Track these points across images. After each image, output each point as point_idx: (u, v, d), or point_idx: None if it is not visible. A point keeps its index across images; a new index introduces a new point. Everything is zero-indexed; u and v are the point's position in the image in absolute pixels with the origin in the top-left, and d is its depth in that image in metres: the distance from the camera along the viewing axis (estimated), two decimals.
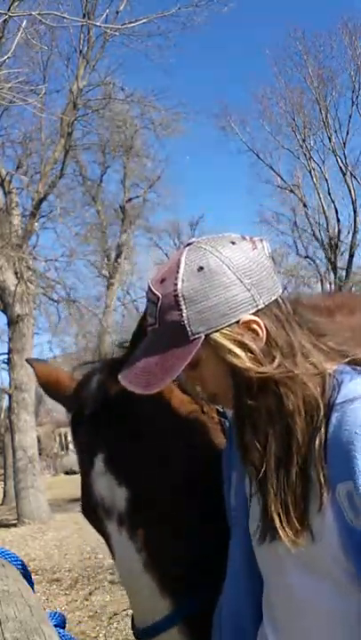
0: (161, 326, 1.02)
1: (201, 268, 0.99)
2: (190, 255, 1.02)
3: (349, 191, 22.96)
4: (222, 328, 0.98)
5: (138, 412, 1.27)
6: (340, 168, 23.19)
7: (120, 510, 1.27)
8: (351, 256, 22.67)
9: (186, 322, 0.99)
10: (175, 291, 0.99)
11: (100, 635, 5.12)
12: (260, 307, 0.99)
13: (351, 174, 23.03)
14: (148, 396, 1.07)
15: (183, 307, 0.99)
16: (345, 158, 23.22)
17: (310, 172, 23.55)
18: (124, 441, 1.28)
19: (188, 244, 1.05)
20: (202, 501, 1.25)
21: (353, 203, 22.77)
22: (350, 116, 23.08)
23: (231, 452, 1.19)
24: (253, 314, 0.99)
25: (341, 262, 23.26)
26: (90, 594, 6.69)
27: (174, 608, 1.22)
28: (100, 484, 1.29)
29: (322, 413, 0.97)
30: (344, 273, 22.83)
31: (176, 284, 0.99)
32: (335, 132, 23.27)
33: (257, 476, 1.01)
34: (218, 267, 0.98)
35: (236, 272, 0.98)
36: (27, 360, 1.71)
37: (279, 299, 1.02)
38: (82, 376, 1.43)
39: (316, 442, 0.96)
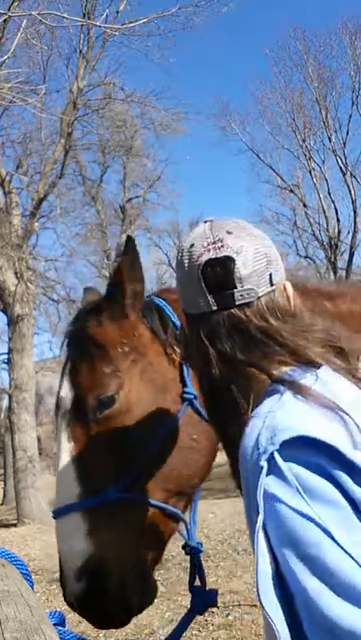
0: None
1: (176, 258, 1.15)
2: (195, 233, 1.13)
3: (349, 191, 22.97)
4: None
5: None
6: (340, 168, 23.20)
7: (67, 408, 1.58)
8: (351, 256, 22.69)
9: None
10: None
11: (100, 635, 5.12)
12: (182, 308, 1.14)
13: (351, 174, 23.03)
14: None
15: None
16: (345, 158, 23.25)
17: (310, 172, 23.56)
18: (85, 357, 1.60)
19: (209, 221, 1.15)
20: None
21: (353, 203, 22.78)
22: (350, 116, 23.13)
23: None
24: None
25: (341, 262, 23.27)
26: None
27: (86, 496, 1.48)
28: (62, 386, 1.62)
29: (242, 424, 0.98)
30: (344, 273, 22.82)
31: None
32: (335, 132, 23.30)
33: None
34: (180, 263, 1.13)
35: (177, 272, 1.14)
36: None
37: (209, 316, 1.07)
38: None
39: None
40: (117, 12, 13.76)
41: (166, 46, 17.15)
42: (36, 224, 15.11)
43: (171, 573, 6.77)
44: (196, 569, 1.71)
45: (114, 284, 1.64)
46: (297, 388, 0.95)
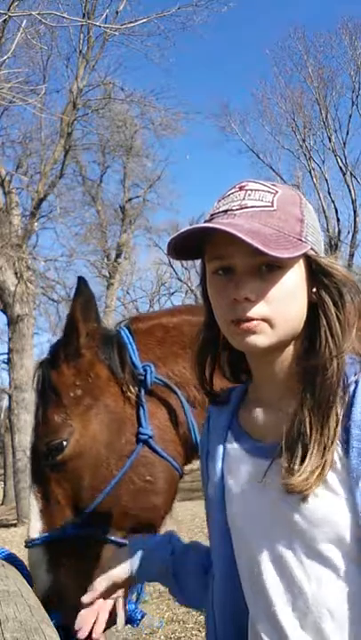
0: (279, 211, 0.96)
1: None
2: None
3: (349, 191, 22.98)
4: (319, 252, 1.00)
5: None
6: (341, 168, 23.21)
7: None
8: (351, 256, 22.68)
9: (305, 220, 0.98)
10: (299, 195, 1.02)
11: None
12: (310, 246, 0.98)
13: (351, 174, 23.04)
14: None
15: (304, 208, 1.00)
16: (345, 158, 23.26)
17: (310, 172, 23.57)
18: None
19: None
20: None
21: (353, 203, 22.79)
22: (350, 116, 23.14)
23: (208, 440, 1.16)
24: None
25: (341, 262, 23.20)
26: None
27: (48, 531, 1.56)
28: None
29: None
30: None
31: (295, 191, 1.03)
32: (335, 131, 23.32)
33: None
34: (306, 205, 1.03)
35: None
36: None
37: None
38: None
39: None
40: (117, 12, 13.76)
41: (166, 46, 17.23)
42: (36, 224, 15.13)
43: None
44: None
45: (68, 325, 1.65)
46: None
